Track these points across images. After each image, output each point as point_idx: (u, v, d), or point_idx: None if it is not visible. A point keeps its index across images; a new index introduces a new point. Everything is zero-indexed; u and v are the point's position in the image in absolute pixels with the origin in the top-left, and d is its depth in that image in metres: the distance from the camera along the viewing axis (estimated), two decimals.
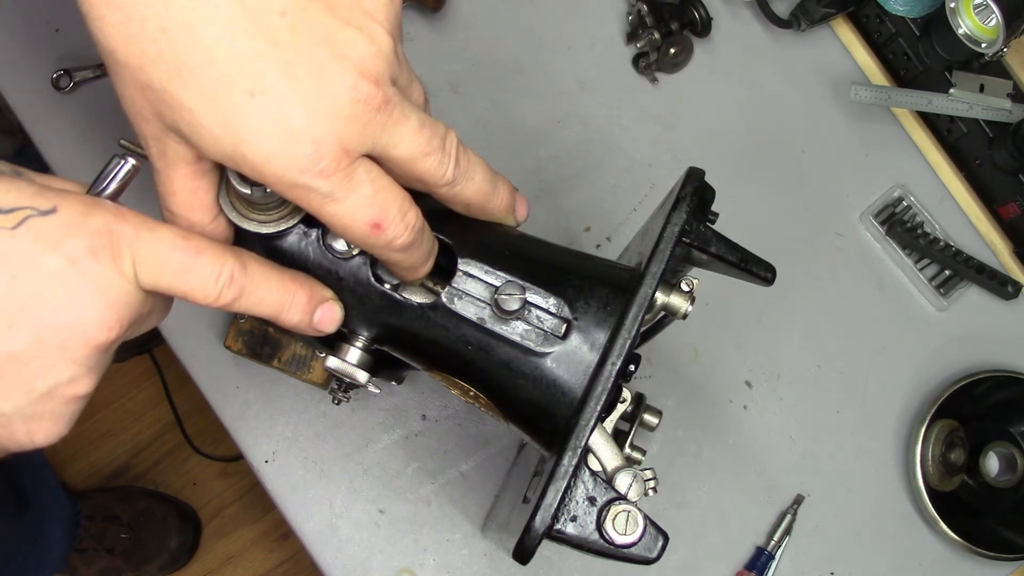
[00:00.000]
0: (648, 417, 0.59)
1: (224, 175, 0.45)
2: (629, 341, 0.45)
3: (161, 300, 0.44)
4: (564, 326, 0.48)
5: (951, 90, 0.81)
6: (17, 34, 0.80)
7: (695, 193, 0.48)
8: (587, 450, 0.45)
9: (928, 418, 0.81)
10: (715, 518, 0.81)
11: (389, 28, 0.41)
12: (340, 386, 0.57)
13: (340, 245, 0.48)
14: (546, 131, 0.84)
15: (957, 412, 0.82)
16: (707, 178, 0.49)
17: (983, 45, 0.77)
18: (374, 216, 0.42)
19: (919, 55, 0.84)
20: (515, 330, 0.48)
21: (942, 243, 0.85)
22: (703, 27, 0.84)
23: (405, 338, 0.50)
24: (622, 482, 0.45)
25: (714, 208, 0.50)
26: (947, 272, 0.86)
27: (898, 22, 0.84)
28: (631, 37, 0.86)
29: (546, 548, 0.45)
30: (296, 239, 0.47)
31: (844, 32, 0.88)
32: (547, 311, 0.48)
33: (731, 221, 0.59)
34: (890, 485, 0.83)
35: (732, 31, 0.88)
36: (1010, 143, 0.80)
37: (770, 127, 0.87)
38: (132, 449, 1.67)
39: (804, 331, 0.84)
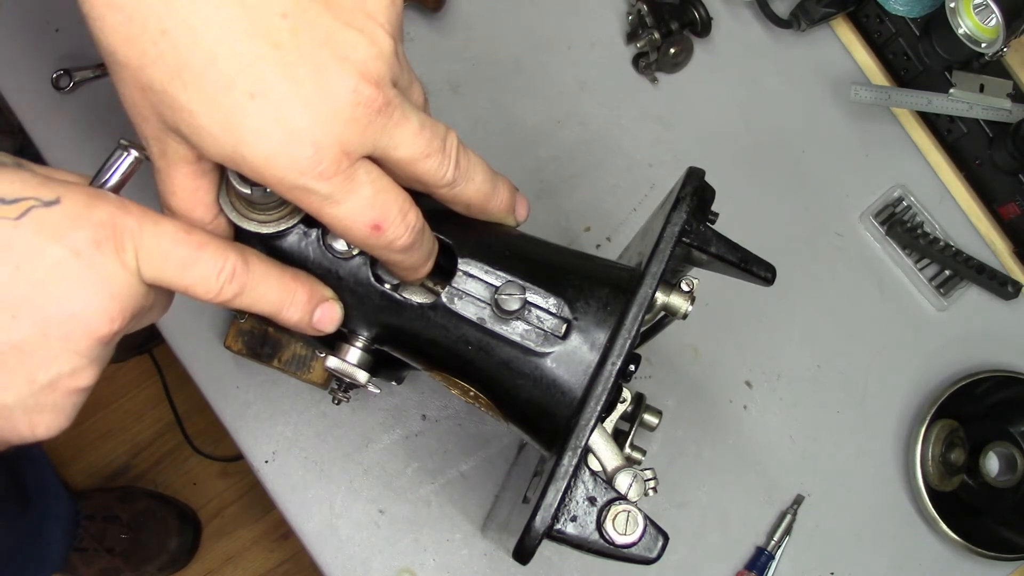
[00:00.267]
0: (648, 417, 0.59)
1: (224, 175, 0.45)
2: (629, 341, 0.45)
3: (163, 294, 0.44)
4: (564, 326, 0.48)
5: (951, 90, 0.81)
6: (17, 34, 0.80)
7: (695, 193, 0.48)
8: (587, 450, 0.45)
9: (928, 418, 0.81)
10: (715, 518, 0.81)
11: (390, 30, 0.41)
12: (340, 386, 0.57)
13: (340, 245, 0.48)
14: (546, 131, 0.84)
15: (957, 412, 0.82)
16: (707, 178, 0.49)
17: (983, 45, 0.77)
18: (374, 218, 0.42)
19: (919, 55, 0.84)
20: (515, 330, 0.48)
21: (942, 243, 0.85)
22: (703, 27, 0.84)
23: (405, 338, 0.50)
24: (622, 482, 0.45)
25: (714, 208, 0.50)
26: (947, 272, 0.86)
27: (898, 22, 0.84)
28: (631, 37, 0.86)
29: (546, 548, 0.45)
30: (296, 239, 0.48)
31: (844, 32, 0.88)
32: (547, 311, 0.48)
33: (731, 221, 0.59)
34: (890, 485, 0.83)
35: (732, 31, 0.88)
36: (1010, 143, 0.80)
37: (770, 127, 0.87)
38: (132, 449, 1.67)
39: (804, 331, 0.84)
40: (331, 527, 0.76)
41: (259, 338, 0.74)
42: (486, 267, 0.48)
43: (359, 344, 0.51)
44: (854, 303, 0.85)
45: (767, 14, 0.85)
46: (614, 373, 0.45)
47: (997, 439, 0.83)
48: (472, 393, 0.51)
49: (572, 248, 0.55)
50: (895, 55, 0.86)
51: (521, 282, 0.48)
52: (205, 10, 0.38)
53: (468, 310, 0.48)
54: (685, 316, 0.51)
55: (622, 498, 0.45)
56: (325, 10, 0.40)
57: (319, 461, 0.77)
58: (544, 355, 0.47)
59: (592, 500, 0.45)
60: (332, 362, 0.51)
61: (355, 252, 0.48)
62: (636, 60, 0.86)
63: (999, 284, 0.85)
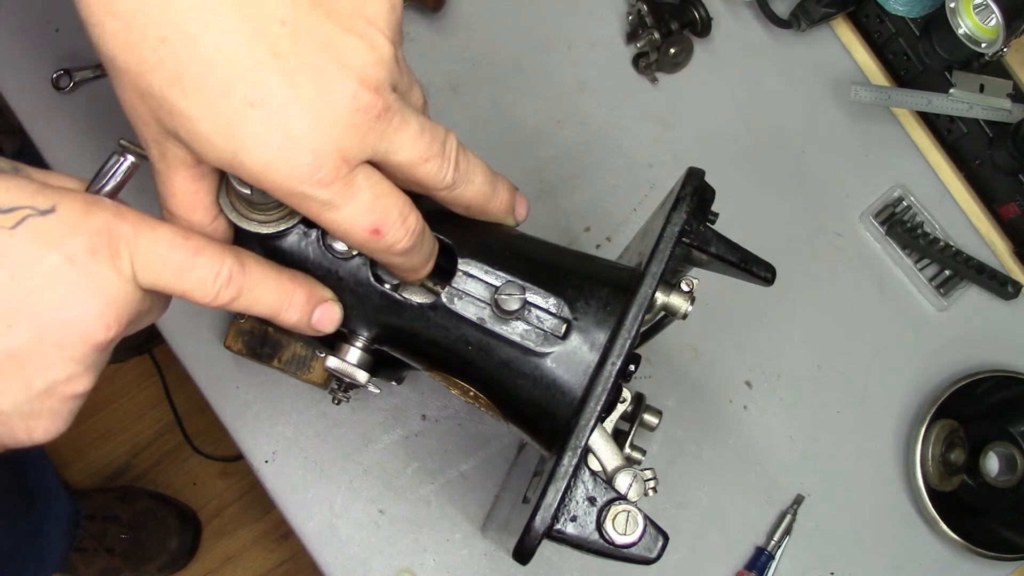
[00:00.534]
0: (648, 417, 0.59)
1: (224, 176, 0.45)
2: (629, 341, 0.45)
3: (160, 298, 0.44)
4: (564, 326, 0.48)
5: (951, 90, 0.81)
6: (17, 34, 0.80)
7: (695, 193, 0.48)
8: (587, 450, 0.45)
9: (928, 418, 0.81)
10: (715, 518, 0.81)
11: (390, 35, 0.41)
12: (340, 386, 0.57)
13: (340, 245, 0.48)
14: (546, 131, 0.84)
15: (957, 412, 0.82)
16: (707, 178, 0.49)
17: (983, 45, 0.77)
18: (374, 222, 0.42)
19: (919, 55, 0.84)
20: (515, 330, 0.48)
21: (942, 243, 0.85)
22: (703, 27, 0.84)
23: (405, 338, 0.50)
24: (622, 482, 0.45)
25: (714, 208, 0.50)
26: (947, 272, 0.86)
27: (898, 22, 0.84)
28: (631, 37, 0.86)
29: (546, 548, 0.45)
30: (296, 239, 0.48)
31: (844, 32, 0.88)
32: (547, 311, 0.48)
33: (731, 221, 0.59)
34: (890, 485, 0.83)
35: (732, 31, 0.88)
36: (1010, 143, 0.80)
37: (770, 127, 0.87)
38: (132, 449, 1.67)
39: (804, 331, 0.84)
40: (331, 527, 0.76)
41: (259, 338, 0.74)
42: (486, 267, 0.48)
43: (359, 344, 0.51)
44: (854, 303, 0.85)
45: (767, 14, 0.85)
46: (614, 373, 0.45)
47: (997, 439, 0.83)
48: (472, 393, 0.51)
49: (572, 248, 0.55)
50: (895, 55, 0.86)
51: (521, 282, 0.48)
52: (205, 17, 0.38)
53: (468, 310, 0.48)
54: (685, 316, 0.51)
55: (622, 498, 0.45)
56: (325, 16, 0.40)
57: (319, 461, 0.77)
58: (544, 355, 0.47)
59: (592, 500, 0.45)
60: (332, 362, 0.51)
61: (355, 252, 0.48)
62: (636, 60, 0.86)
63: (999, 284, 0.85)
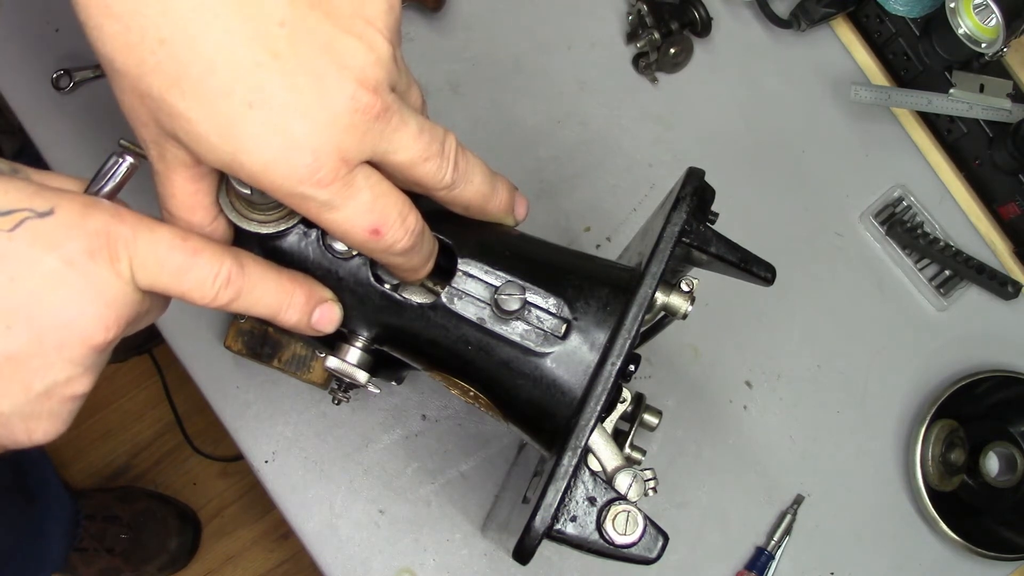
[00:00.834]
0: (648, 417, 0.59)
1: (224, 176, 0.45)
2: (629, 341, 0.45)
3: (159, 299, 0.44)
4: (564, 326, 0.48)
5: (951, 90, 0.81)
6: (17, 34, 0.80)
7: (695, 193, 0.48)
8: (587, 450, 0.45)
9: (928, 418, 0.81)
10: (715, 518, 0.81)
11: (389, 35, 0.41)
12: (340, 386, 0.57)
13: (340, 245, 0.48)
14: (546, 131, 0.84)
15: (957, 412, 0.82)
16: (707, 178, 0.49)
17: (983, 45, 0.77)
18: (373, 222, 0.42)
19: (919, 55, 0.84)
20: (515, 330, 0.48)
21: (942, 243, 0.85)
22: (703, 27, 0.84)
23: (405, 338, 0.50)
24: (622, 482, 0.45)
25: (714, 208, 0.50)
26: (947, 272, 0.86)
27: (898, 22, 0.84)
28: (631, 37, 0.86)
29: (546, 548, 0.45)
30: (296, 239, 0.48)
31: (844, 32, 0.88)
32: (547, 311, 0.48)
33: (731, 221, 0.59)
34: (890, 485, 0.83)
35: (732, 31, 0.88)
36: (1010, 143, 0.80)
37: (770, 127, 0.87)
38: (132, 449, 1.67)
39: (804, 331, 0.84)
40: (331, 527, 0.76)
41: (259, 338, 0.74)
42: (486, 267, 0.48)
43: (359, 344, 0.51)
44: (854, 303, 0.85)
45: (767, 14, 0.85)
46: (614, 373, 0.45)
47: (997, 439, 0.83)
48: (472, 393, 0.51)
49: (572, 248, 0.55)
50: (895, 55, 0.86)
51: (521, 282, 0.48)
52: (204, 18, 0.38)
53: (468, 310, 0.48)
54: (685, 316, 0.51)
55: (622, 498, 0.45)
56: (324, 17, 0.40)
57: (319, 461, 0.77)
58: (544, 355, 0.47)
59: (592, 500, 0.45)
60: (332, 362, 0.51)
61: (355, 252, 0.48)
62: (636, 60, 0.86)
63: (999, 284, 0.85)
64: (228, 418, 0.77)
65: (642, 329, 0.46)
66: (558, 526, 0.44)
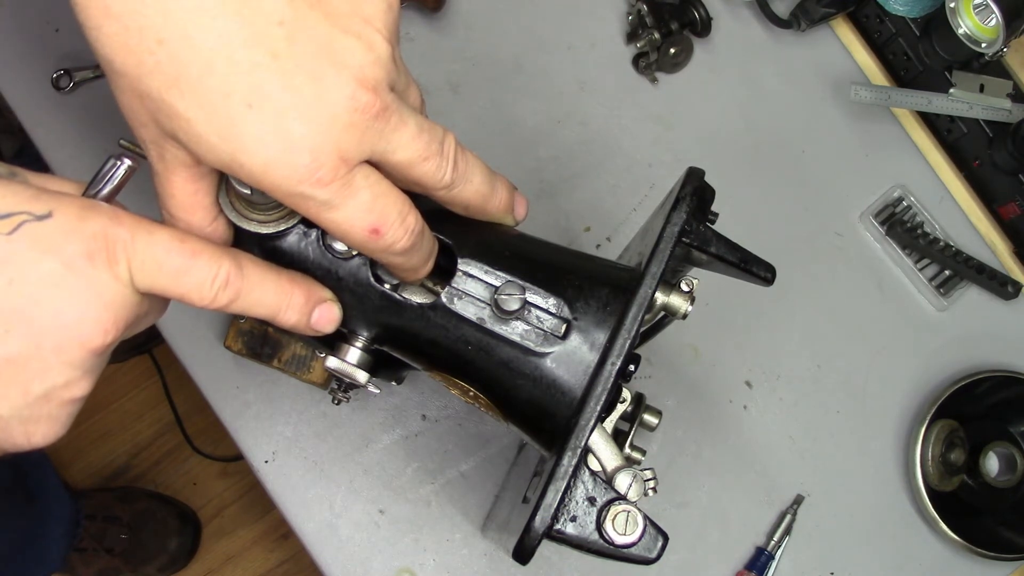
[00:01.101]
0: (648, 417, 0.59)
1: (224, 176, 0.45)
2: (629, 341, 0.45)
3: (158, 300, 0.44)
4: (564, 326, 0.48)
5: (951, 90, 0.81)
6: (17, 34, 0.80)
7: (695, 193, 0.48)
8: (587, 450, 0.45)
9: (928, 418, 0.81)
10: (715, 518, 0.81)
11: (387, 35, 0.41)
12: (340, 386, 0.57)
13: (340, 245, 0.48)
14: (546, 131, 0.84)
15: (957, 412, 0.82)
16: (707, 178, 0.49)
17: (983, 45, 0.76)
18: (373, 222, 0.42)
19: (919, 55, 0.84)
20: (515, 330, 0.48)
21: (942, 243, 0.85)
22: (703, 27, 0.84)
23: (405, 338, 0.50)
24: (622, 482, 0.45)
25: (714, 208, 0.50)
26: (947, 272, 0.86)
27: (898, 22, 0.84)
28: (631, 37, 0.86)
29: (546, 548, 0.45)
30: (296, 239, 0.48)
31: (844, 32, 0.88)
32: (547, 311, 0.48)
33: (731, 221, 0.59)
34: (890, 485, 0.83)
35: (732, 31, 0.88)
36: (1010, 143, 0.80)
37: (770, 127, 0.87)
38: (132, 449, 1.67)
39: (804, 331, 0.84)
40: (331, 527, 0.76)
41: (259, 338, 0.74)
42: (486, 267, 0.48)
43: (359, 344, 0.51)
44: (854, 303, 0.85)
45: (767, 14, 0.85)
46: (614, 373, 0.45)
47: (997, 439, 0.83)
48: (472, 393, 0.51)
49: (572, 248, 0.55)
50: (895, 55, 0.86)
51: (521, 282, 0.48)
52: (202, 19, 0.38)
53: (468, 310, 0.48)
54: (685, 316, 0.51)
55: (622, 498, 0.45)
56: (323, 17, 0.40)
57: (319, 461, 0.77)
58: (544, 355, 0.47)
59: (592, 500, 0.45)
60: (332, 362, 0.51)
61: (355, 252, 0.48)
62: (636, 60, 0.86)
63: (999, 284, 0.85)
64: (228, 418, 0.77)
65: (642, 329, 0.46)
66: (558, 526, 0.44)
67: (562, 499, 0.44)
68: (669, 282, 0.51)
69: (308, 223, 0.47)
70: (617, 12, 0.87)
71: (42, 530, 1.30)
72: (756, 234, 0.66)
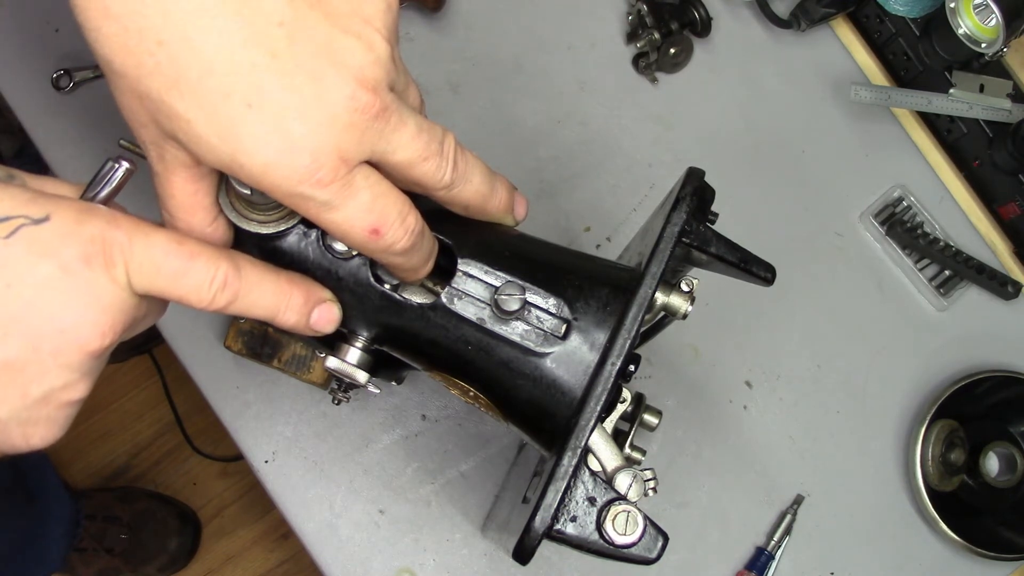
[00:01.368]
0: (648, 417, 0.59)
1: (224, 176, 0.45)
2: (629, 341, 0.45)
3: (156, 302, 0.44)
4: (564, 326, 0.48)
5: (951, 90, 0.81)
6: (17, 34, 0.80)
7: (695, 193, 0.48)
8: (587, 450, 0.45)
9: (928, 418, 0.81)
10: (715, 518, 0.81)
11: (387, 35, 0.41)
12: (340, 386, 0.57)
13: (340, 246, 0.48)
14: (546, 131, 0.84)
15: (957, 412, 0.82)
16: (707, 178, 0.49)
17: (983, 45, 0.77)
18: (372, 222, 0.42)
19: (919, 55, 0.84)
20: (515, 330, 0.48)
21: (942, 243, 0.85)
22: (703, 27, 0.84)
23: (405, 338, 0.50)
24: (622, 482, 0.45)
25: (714, 208, 0.50)
26: (947, 272, 0.86)
27: (898, 22, 0.84)
28: (631, 37, 0.86)
29: (546, 548, 0.45)
30: (296, 239, 0.48)
31: (844, 32, 0.88)
32: (547, 311, 0.48)
33: (731, 221, 0.59)
34: (890, 485, 0.83)
35: (732, 31, 0.88)
36: (1010, 143, 0.80)
37: (770, 127, 0.87)
38: (132, 449, 1.67)
39: (804, 331, 0.84)
40: (331, 527, 0.76)
41: (259, 338, 0.74)
42: (486, 267, 0.48)
43: (359, 344, 0.51)
44: (854, 303, 0.85)
45: (767, 14, 0.85)
46: (614, 373, 0.45)
47: (997, 439, 0.83)
48: (472, 393, 0.51)
49: (572, 248, 0.55)
50: (895, 55, 0.86)
51: (521, 282, 0.48)
52: (202, 20, 0.38)
53: (468, 310, 0.48)
54: (685, 316, 0.51)
55: (622, 498, 0.45)
56: (322, 17, 0.40)
57: (319, 461, 0.77)
58: (544, 355, 0.47)
59: (592, 500, 0.45)
60: (332, 362, 0.51)
61: (355, 253, 0.48)
62: (636, 60, 0.86)
63: (999, 284, 0.85)
64: (228, 418, 0.77)
65: (642, 329, 0.46)
66: (558, 526, 0.44)
67: (562, 499, 0.44)
68: (669, 282, 0.51)
69: (308, 223, 0.47)
70: (617, 12, 0.87)
71: (42, 530, 1.30)
72: (756, 234, 0.66)
